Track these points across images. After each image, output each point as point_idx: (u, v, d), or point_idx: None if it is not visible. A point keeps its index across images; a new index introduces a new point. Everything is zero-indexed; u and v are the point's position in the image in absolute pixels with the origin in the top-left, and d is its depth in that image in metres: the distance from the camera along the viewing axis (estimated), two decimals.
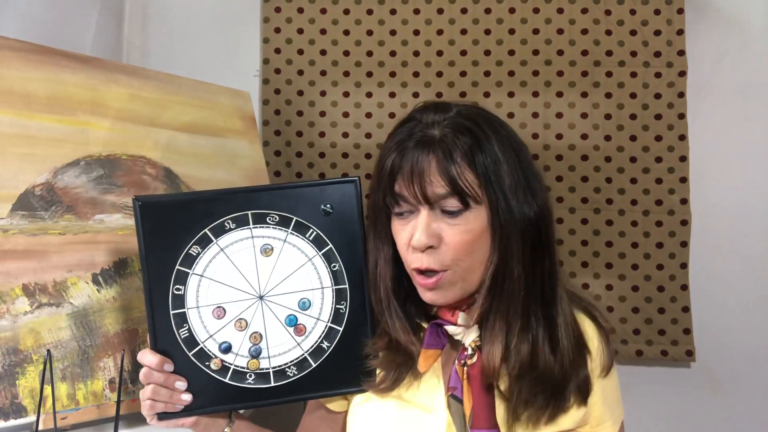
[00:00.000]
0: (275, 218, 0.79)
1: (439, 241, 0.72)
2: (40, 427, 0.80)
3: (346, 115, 1.43)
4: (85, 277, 0.90)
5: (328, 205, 0.80)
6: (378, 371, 0.80)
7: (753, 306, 1.36)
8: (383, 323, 0.80)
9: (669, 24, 1.35)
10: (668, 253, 1.34)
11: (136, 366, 0.91)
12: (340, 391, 0.82)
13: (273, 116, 1.45)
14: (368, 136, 1.42)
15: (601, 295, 1.35)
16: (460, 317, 0.77)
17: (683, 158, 1.35)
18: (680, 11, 1.35)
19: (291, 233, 0.79)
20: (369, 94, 1.42)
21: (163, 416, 0.76)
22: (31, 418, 0.80)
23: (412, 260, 0.74)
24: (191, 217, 0.77)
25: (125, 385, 0.89)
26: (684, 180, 1.35)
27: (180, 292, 0.77)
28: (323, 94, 1.43)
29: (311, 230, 0.80)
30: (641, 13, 1.36)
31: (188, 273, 0.77)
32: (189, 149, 1.11)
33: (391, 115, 1.41)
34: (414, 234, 0.72)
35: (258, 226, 0.79)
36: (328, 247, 0.80)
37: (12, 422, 0.79)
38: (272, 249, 0.79)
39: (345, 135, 1.42)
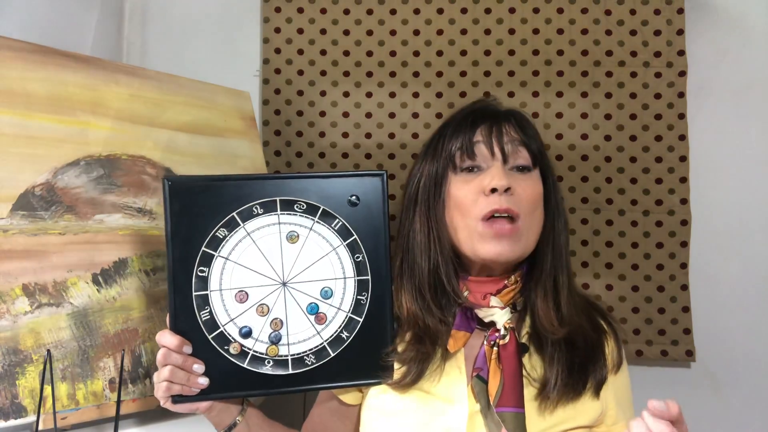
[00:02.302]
0: (303, 206, 0.80)
1: (513, 188, 0.79)
2: (40, 427, 0.80)
3: (346, 115, 1.43)
4: (85, 277, 0.90)
5: (354, 196, 0.81)
6: (398, 366, 0.81)
7: (753, 306, 1.36)
8: (413, 310, 0.81)
9: (669, 24, 1.35)
10: (668, 253, 1.34)
11: (137, 366, 0.91)
12: (356, 383, 0.82)
13: (273, 116, 1.45)
14: (368, 136, 1.42)
15: (601, 295, 1.35)
16: (492, 300, 0.80)
17: (683, 158, 1.35)
18: (680, 11, 1.35)
19: (317, 222, 0.80)
20: (369, 94, 1.42)
21: (178, 399, 0.76)
22: (31, 418, 0.80)
23: (489, 203, 0.78)
24: (220, 200, 0.78)
25: (125, 385, 0.89)
26: (684, 180, 1.35)
27: (204, 274, 0.77)
28: (323, 94, 1.43)
29: (337, 220, 0.80)
30: (641, 13, 1.36)
31: (213, 255, 0.77)
32: (189, 149, 1.11)
33: (391, 115, 1.41)
34: (491, 180, 0.78)
35: (285, 212, 0.79)
36: (353, 237, 0.81)
37: (12, 422, 0.79)
38: (298, 236, 0.80)
39: (345, 135, 1.43)
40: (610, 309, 1.35)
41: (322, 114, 1.43)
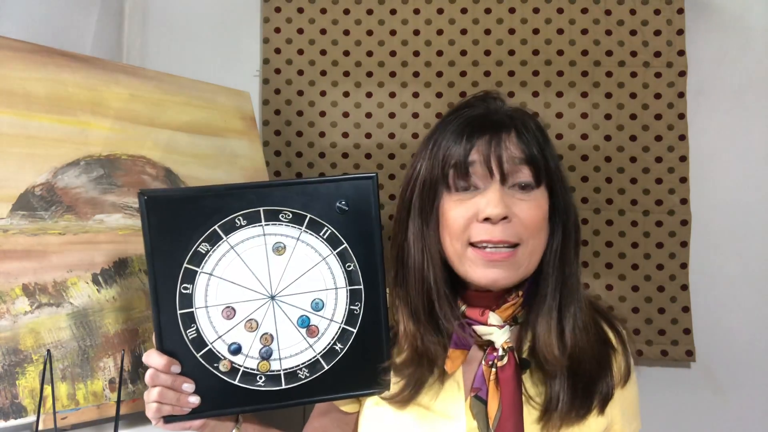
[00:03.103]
0: (288, 215, 0.76)
1: (511, 214, 0.71)
2: (40, 427, 0.80)
3: (346, 115, 1.43)
4: (85, 277, 0.90)
5: (344, 203, 0.77)
6: (396, 380, 0.78)
7: (753, 306, 1.36)
8: (409, 328, 0.77)
9: (669, 24, 1.35)
10: (668, 253, 1.34)
11: (136, 366, 0.91)
12: (352, 394, 0.80)
13: (273, 116, 1.45)
14: (368, 136, 1.42)
15: (600, 295, 1.35)
16: (491, 317, 0.75)
17: (683, 158, 1.35)
18: (680, 11, 1.35)
19: (305, 231, 0.76)
20: (369, 94, 1.42)
21: (169, 419, 0.74)
22: (31, 418, 0.80)
23: (479, 232, 0.71)
24: (200, 213, 0.74)
25: (125, 385, 0.89)
26: (684, 180, 1.35)
27: (188, 291, 0.74)
28: (323, 94, 1.43)
29: (326, 228, 0.77)
30: (641, 13, 1.36)
31: (197, 271, 0.74)
32: (189, 149, 1.11)
33: (391, 115, 1.41)
34: (485, 207, 0.71)
35: (270, 223, 0.76)
36: (343, 246, 0.77)
37: (12, 422, 0.79)
38: (285, 247, 0.76)
39: (345, 135, 1.43)
40: (609, 309, 1.35)
41: (322, 114, 1.43)
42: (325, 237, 0.77)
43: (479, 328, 0.76)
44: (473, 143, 0.73)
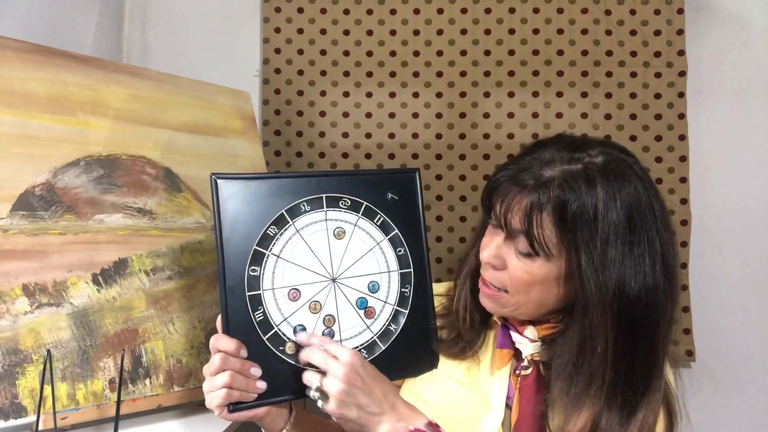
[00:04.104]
0: (347, 202, 0.81)
1: (503, 265, 0.74)
2: (40, 427, 0.80)
3: (346, 115, 1.43)
4: (85, 277, 0.90)
5: (393, 192, 0.83)
6: (447, 336, 0.83)
7: (753, 306, 1.36)
8: (466, 325, 0.82)
9: (669, 24, 1.36)
10: None
11: (137, 366, 0.91)
12: (405, 373, 0.83)
13: (273, 116, 1.45)
14: (368, 136, 1.42)
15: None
16: (528, 329, 0.78)
17: (683, 158, 1.35)
18: (680, 11, 1.35)
19: (361, 218, 0.81)
20: (369, 94, 1.42)
21: (234, 408, 0.72)
22: (31, 418, 0.80)
23: (481, 266, 0.78)
24: (269, 198, 0.78)
25: (125, 385, 0.89)
26: (684, 180, 1.35)
27: (256, 273, 0.75)
28: (323, 94, 1.43)
29: (379, 216, 0.82)
30: (641, 13, 1.36)
31: (265, 253, 0.76)
32: (189, 149, 1.11)
33: (391, 115, 1.41)
34: (482, 250, 0.76)
35: (331, 209, 0.80)
36: (395, 232, 0.82)
37: (12, 422, 0.79)
38: (344, 232, 0.80)
39: (345, 135, 1.43)
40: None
41: (322, 114, 1.43)
42: (378, 223, 0.82)
43: (514, 335, 0.79)
44: (499, 190, 0.73)
